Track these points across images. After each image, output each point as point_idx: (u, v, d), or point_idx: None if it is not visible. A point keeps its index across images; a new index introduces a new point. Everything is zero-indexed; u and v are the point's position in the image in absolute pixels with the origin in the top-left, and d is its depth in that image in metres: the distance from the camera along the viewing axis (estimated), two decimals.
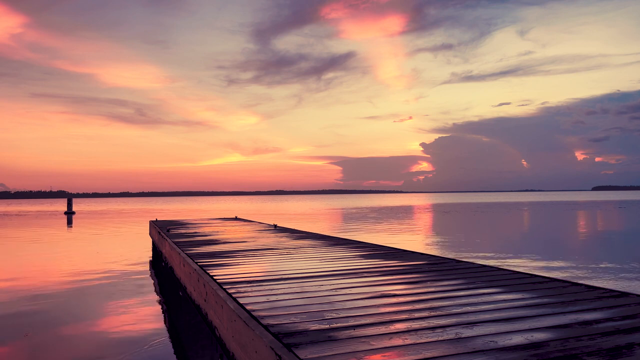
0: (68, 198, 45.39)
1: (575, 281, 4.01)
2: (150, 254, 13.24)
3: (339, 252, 6.25)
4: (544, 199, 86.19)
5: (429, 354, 2.26)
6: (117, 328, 6.08)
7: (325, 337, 2.55)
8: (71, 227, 27.18)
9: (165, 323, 6.35)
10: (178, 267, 6.32)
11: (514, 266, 10.28)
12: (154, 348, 5.36)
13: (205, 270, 4.86)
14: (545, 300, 3.37)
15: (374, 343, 2.44)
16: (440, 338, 2.51)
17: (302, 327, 2.75)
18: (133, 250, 14.89)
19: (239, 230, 10.24)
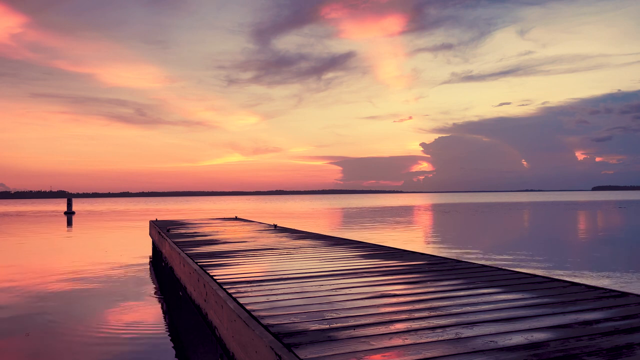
0: (68, 198, 45.38)
1: (575, 281, 4.01)
2: (150, 254, 13.24)
3: (339, 252, 6.25)
4: (544, 199, 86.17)
5: (429, 354, 2.25)
6: (117, 328, 6.08)
7: (325, 337, 2.55)
8: (71, 227, 27.18)
9: (165, 323, 6.35)
10: (178, 267, 6.32)
11: (514, 266, 10.28)
12: (154, 348, 5.36)
13: (205, 270, 4.86)
14: (545, 300, 3.37)
15: (374, 343, 2.44)
16: (440, 338, 2.51)
17: (302, 327, 2.75)
18: (133, 250, 14.90)
19: (239, 230, 10.23)
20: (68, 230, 24.52)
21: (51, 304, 7.60)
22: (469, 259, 10.91)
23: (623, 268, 10.13)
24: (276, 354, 2.30)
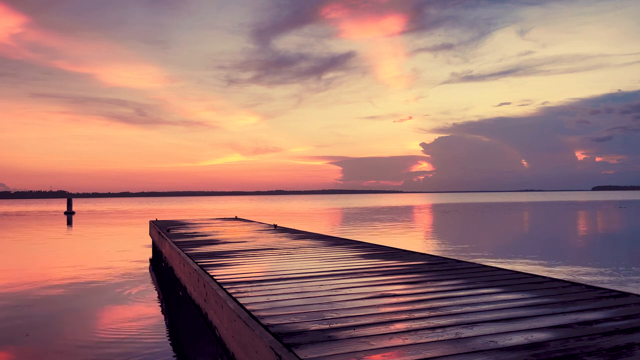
0: (68, 198, 45.38)
1: (575, 281, 4.00)
2: (150, 254, 13.24)
3: (339, 252, 6.25)
4: (544, 199, 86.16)
5: (429, 354, 2.25)
6: (117, 328, 6.08)
7: (325, 337, 2.55)
8: (71, 227, 27.18)
9: (165, 323, 6.35)
10: (178, 267, 6.32)
11: (514, 266, 10.28)
12: (154, 348, 5.36)
13: (205, 270, 4.86)
14: (545, 300, 3.37)
15: (374, 343, 2.44)
16: (440, 338, 2.51)
17: (302, 327, 2.75)
18: (133, 250, 14.89)
19: (239, 230, 10.23)
20: (68, 230, 24.52)
21: (51, 304, 7.60)
22: (469, 258, 10.90)
23: (623, 268, 10.13)
24: (276, 354, 2.30)
